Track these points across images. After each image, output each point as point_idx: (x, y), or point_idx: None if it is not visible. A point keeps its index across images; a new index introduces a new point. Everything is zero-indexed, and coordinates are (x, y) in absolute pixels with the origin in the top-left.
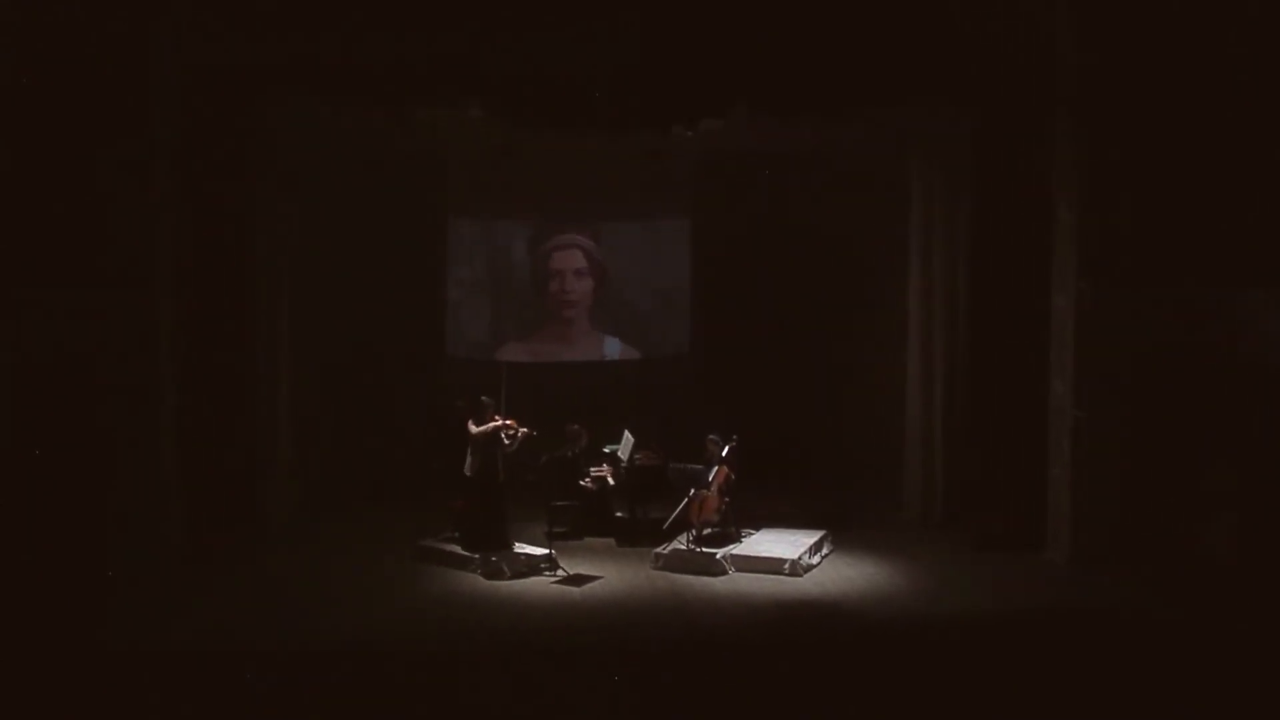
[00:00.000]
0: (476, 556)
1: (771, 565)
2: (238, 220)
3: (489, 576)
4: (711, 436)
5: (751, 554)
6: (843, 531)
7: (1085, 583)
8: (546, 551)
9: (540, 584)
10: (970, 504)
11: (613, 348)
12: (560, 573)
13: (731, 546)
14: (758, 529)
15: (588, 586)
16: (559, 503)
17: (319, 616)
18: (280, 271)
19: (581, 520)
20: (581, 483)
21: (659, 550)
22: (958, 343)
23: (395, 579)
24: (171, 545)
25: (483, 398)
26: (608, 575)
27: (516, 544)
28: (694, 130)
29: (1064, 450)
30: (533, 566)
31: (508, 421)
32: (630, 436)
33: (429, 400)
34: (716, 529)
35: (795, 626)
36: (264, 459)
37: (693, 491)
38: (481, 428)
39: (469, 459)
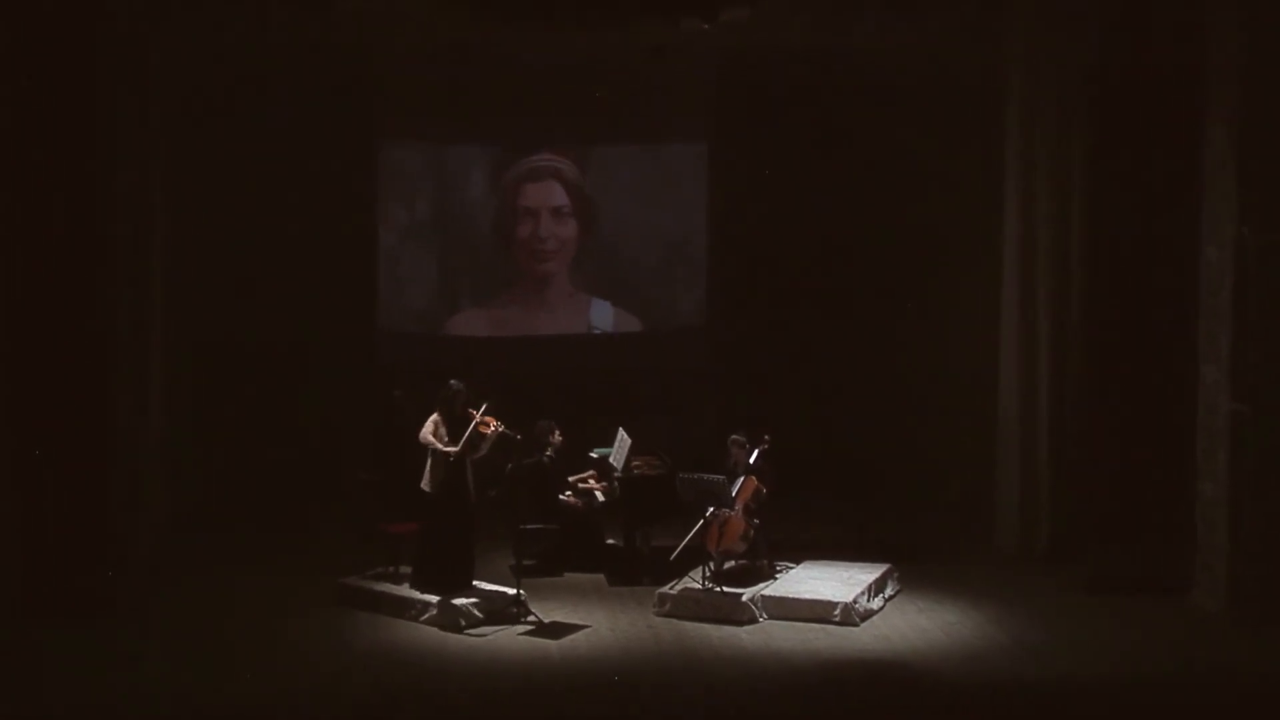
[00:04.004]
0: (426, 599)
1: (817, 610)
2: (89, 151)
3: (441, 626)
4: (735, 437)
5: (790, 595)
6: (913, 566)
7: (1249, 638)
8: (513, 592)
9: (505, 636)
10: (1087, 530)
11: (603, 315)
12: (532, 620)
13: (763, 585)
14: (798, 562)
15: (568, 639)
16: (529, 525)
17: (209, 683)
18: (149, 218)
19: (560, 549)
20: (561, 498)
21: (665, 590)
22: (1069, 312)
23: (310, 630)
24: (7, 592)
25: (452, 381)
26: (596, 623)
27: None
28: (712, 22)
29: (1218, 458)
30: (495, 612)
31: (485, 419)
32: (626, 437)
33: (355, 388)
34: (742, 561)
35: (848, 692)
36: (129, 472)
37: (710, 511)
38: (428, 430)
39: (427, 470)
